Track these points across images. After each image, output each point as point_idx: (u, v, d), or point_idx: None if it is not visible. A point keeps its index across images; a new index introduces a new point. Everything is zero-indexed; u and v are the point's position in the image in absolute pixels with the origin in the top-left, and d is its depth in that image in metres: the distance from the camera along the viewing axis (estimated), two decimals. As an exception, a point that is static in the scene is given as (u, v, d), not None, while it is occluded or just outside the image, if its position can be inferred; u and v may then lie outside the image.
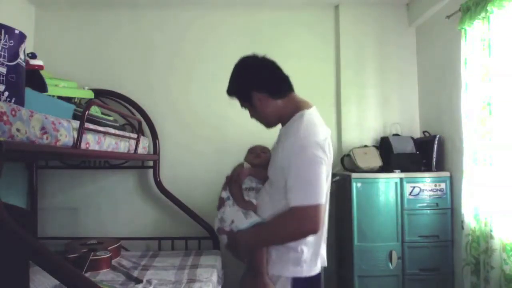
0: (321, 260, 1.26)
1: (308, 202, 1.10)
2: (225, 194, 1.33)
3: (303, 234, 1.14)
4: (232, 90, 1.31)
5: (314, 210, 1.10)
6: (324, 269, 1.35)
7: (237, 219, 1.24)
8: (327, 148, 1.16)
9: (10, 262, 1.12)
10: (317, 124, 1.21)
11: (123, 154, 2.09)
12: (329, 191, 1.27)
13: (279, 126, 1.34)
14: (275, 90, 1.26)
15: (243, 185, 1.32)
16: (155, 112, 2.76)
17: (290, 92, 1.30)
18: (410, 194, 2.34)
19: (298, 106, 1.26)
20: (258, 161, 1.35)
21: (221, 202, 1.32)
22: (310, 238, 1.18)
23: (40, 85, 1.57)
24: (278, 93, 1.26)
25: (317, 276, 1.24)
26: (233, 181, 1.33)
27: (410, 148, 2.50)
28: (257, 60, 1.28)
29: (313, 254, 1.21)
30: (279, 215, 1.17)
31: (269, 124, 1.34)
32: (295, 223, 1.12)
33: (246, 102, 1.30)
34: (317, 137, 1.15)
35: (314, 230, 1.12)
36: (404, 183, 2.35)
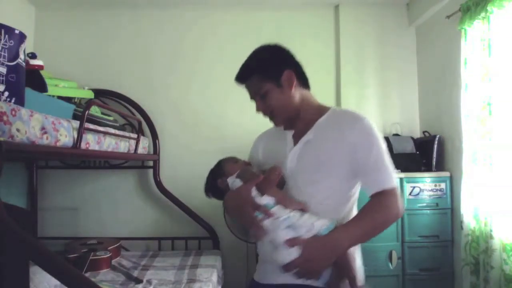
0: None
1: (395, 184, 1.07)
2: (264, 200, 1.04)
3: (398, 217, 1.07)
4: (258, 68, 1.15)
5: (399, 190, 1.08)
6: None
7: (309, 222, 1.00)
8: None
9: (10, 262, 1.12)
10: None
11: (123, 154, 2.09)
12: None
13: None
14: (303, 76, 1.18)
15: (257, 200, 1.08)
16: (155, 112, 2.76)
17: (309, 88, 1.23)
18: (410, 194, 2.34)
19: (322, 104, 1.21)
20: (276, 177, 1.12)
21: (261, 210, 1.03)
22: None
23: (40, 85, 1.57)
24: (305, 80, 1.19)
25: None
26: (269, 184, 1.09)
27: (410, 148, 2.50)
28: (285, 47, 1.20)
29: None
30: (371, 204, 1.05)
31: (285, 114, 1.16)
32: (400, 204, 1.05)
33: (271, 81, 1.12)
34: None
35: (403, 211, 1.07)
36: (404, 183, 2.35)
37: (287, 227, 1.00)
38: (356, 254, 1.10)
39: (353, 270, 1.02)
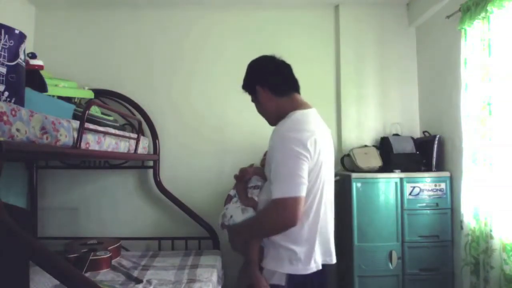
0: (324, 258, 1.29)
1: (287, 194, 1.14)
2: (232, 192, 1.44)
3: (282, 226, 1.18)
4: (243, 84, 1.44)
5: (293, 202, 1.14)
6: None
7: (235, 214, 1.34)
8: (311, 146, 1.20)
9: (10, 262, 1.12)
10: (304, 122, 1.26)
11: (123, 154, 2.09)
12: (331, 190, 1.34)
13: None
14: (275, 87, 1.36)
15: (250, 184, 1.42)
16: (155, 112, 2.76)
17: (292, 92, 1.38)
18: (410, 194, 2.35)
19: (295, 107, 1.32)
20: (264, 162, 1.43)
21: (228, 199, 1.44)
22: (302, 237, 1.23)
23: (40, 85, 1.57)
24: (278, 90, 1.36)
25: (313, 274, 1.25)
26: (239, 179, 1.44)
27: (410, 148, 2.50)
28: (268, 59, 1.40)
29: (306, 253, 1.24)
30: (263, 208, 1.28)
31: (270, 119, 1.41)
32: (275, 215, 1.17)
33: (252, 95, 1.42)
34: (299, 134, 1.20)
35: (292, 221, 1.15)
36: (404, 183, 2.35)
37: (222, 215, 1.40)
38: (269, 253, 1.28)
39: (251, 258, 1.28)
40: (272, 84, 1.36)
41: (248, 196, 1.38)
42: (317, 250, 1.26)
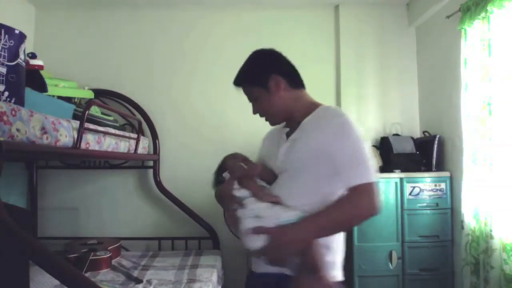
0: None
1: (371, 179, 1.03)
2: (240, 193, 1.14)
3: (369, 214, 1.05)
4: (246, 76, 1.23)
5: (373, 187, 1.03)
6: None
7: (279, 214, 1.06)
8: None
9: (10, 262, 1.12)
10: None
11: (123, 154, 2.09)
12: None
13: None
14: (292, 77, 1.22)
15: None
16: (155, 112, 2.76)
17: (303, 88, 1.26)
18: (410, 194, 2.35)
19: (314, 103, 1.22)
20: (258, 169, 1.24)
21: (236, 202, 1.13)
22: (342, 241, 1.16)
23: (40, 85, 1.57)
24: (295, 81, 1.22)
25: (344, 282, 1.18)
26: (247, 178, 1.18)
27: (410, 148, 2.50)
28: (275, 50, 1.26)
29: (341, 259, 1.18)
30: (341, 199, 1.07)
31: (278, 116, 1.24)
32: (366, 201, 1.03)
33: (260, 88, 1.19)
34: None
35: (377, 209, 1.03)
36: (404, 183, 2.35)
37: (254, 217, 1.07)
38: (331, 250, 1.13)
39: (315, 260, 1.03)
40: (288, 73, 1.21)
41: (265, 192, 1.15)
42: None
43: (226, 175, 1.24)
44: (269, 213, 1.06)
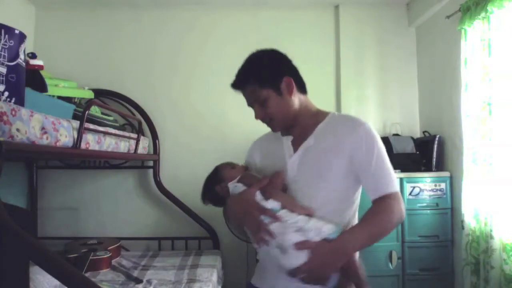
0: None
1: (397, 188, 1.08)
2: (272, 204, 1.03)
3: (401, 221, 1.08)
4: (255, 76, 1.13)
5: (400, 196, 1.09)
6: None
7: (317, 226, 0.99)
8: None
9: (10, 262, 1.12)
10: None
11: (123, 154, 2.09)
12: None
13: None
14: (301, 81, 1.18)
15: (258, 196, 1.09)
16: (155, 112, 2.76)
17: (307, 93, 1.21)
18: (410, 194, 2.34)
19: (320, 110, 1.21)
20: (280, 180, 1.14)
21: (269, 214, 1.01)
22: None
23: (40, 85, 1.57)
24: (303, 86, 1.19)
25: None
26: (273, 187, 1.09)
27: (410, 148, 2.50)
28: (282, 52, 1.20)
29: None
30: (378, 207, 1.05)
31: (284, 121, 1.15)
32: (400, 209, 1.06)
33: (270, 88, 1.11)
34: None
35: (404, 216, 1.08)
36: (404, 183, 2.35)
37: (295, 231, 0.99)
38: (357, 256, 1.10)
39: (360, 274, 1.02)
40: (298, 77, 1.17)
41: (296, 203, 1.06)
42: None
43: (233, 185, 1.13)
44: (310, 226, 0.99)
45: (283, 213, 1.01)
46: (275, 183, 1.09)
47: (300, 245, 0.97)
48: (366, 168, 1.06)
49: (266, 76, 1.12)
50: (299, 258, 0.96)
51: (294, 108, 1.14)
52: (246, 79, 1.14)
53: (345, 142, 1.08)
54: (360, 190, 1.14)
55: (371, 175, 1.06)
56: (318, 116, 1.17)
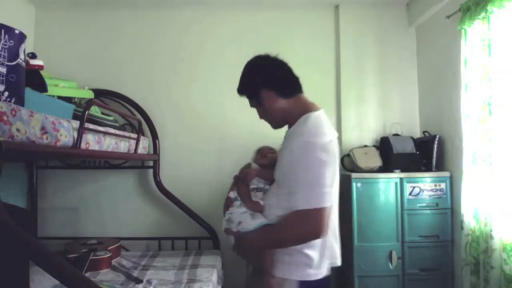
0: (331, 261, 1.25)
1: (311, 206, 1.08)
2: (233, 194, 1.32)
3: (306, 238, 1.13)
4: (242, 88, 1.30)
5: (317, 213, 1.08)
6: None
7: (244, 220, 1.23)
8: (331, 151, 1.14)
9: (10, 262, 1.12)
10: (323, 126, 1.19)
11: (123, 154, 2.09)
12: (337, 192, 1.25)
13: (285, 127, 1.33)
14: (282, 88, 1.26)
15: (251, 186, 1.31)
16: (155, 112, 2.76)
17: (298, 93, 1.29)
18: (410, 194, 2.35)
19: (305, 108, 1.24)
20: (265, 161, 1.35)
21: (229, 202, 1.32)
22: (317, 241, 1.16)
23: (40, 85, 1.57)
24: (285, 92, 1.26)
25: (324, 279, 1.21)
26: (241, 181, 1.32)
27: (410, 148, 2.50)
28: (268, 58, 1.29)
29: (320, 258, 1.19)
30: (283, 218, 1.16)
31: (276, 123, 1.32)
32: (299, 227, 1.10)
33: (254, 100, 1.29)
34: (321, 139, 1.13)
35: (317, 234, 1.10)
36: (404, 183, 2.35)
37: (226, 220, 1.29)
38: (280, 260, 1.19)
39: (268, 267, 1.18)
40: (277, 86, 1.25)
41: (252, 199, 1.27)
42: (327, 253, 1.22)
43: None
44: (238, 219, 1.24)
45: (235, 203, 1.29)
46: (241, 178, 1.34)
47: (225, 231, 1.30)
48: (291, 180, 1.14)
49: (246, 90, 1.30)
50: (230, 240, 1.30)
51: (279, 113, 1.27)
52: (238, 89, 1.32)
53: (288, 150, 1.18)
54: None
55: (291, 188, 1.14)
56: (296, 118, 1.24)
